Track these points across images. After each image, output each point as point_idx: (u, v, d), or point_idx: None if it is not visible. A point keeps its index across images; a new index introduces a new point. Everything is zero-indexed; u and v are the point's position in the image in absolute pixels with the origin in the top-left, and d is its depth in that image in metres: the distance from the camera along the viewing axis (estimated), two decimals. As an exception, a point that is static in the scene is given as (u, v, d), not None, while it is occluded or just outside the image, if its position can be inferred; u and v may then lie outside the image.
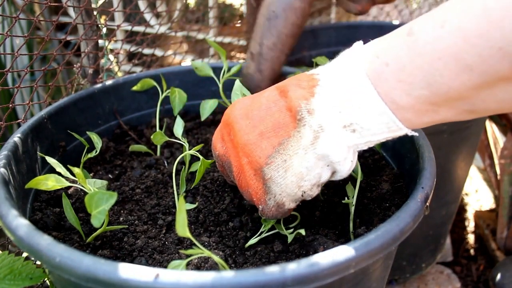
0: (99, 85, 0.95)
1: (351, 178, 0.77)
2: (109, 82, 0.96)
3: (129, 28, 1.35)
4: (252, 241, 0.69)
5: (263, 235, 0.70)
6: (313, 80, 0.60)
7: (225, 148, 0.67)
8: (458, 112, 0.55)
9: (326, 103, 0.57)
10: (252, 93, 0.77)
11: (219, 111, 1.04)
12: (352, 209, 0.70)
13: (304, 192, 0.62)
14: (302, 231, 0.65)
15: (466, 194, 1.74)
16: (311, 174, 0.60)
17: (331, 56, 0.92)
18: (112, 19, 1.69)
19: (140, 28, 1.52)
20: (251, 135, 0.62)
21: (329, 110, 0.57)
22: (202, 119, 0.92)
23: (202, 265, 0.62)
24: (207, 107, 0.92)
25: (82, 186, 0.68)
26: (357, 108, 0.56)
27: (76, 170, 0.66)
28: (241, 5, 1.78)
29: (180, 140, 0.80)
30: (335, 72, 0.59)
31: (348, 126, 0.57)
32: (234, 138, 0.64)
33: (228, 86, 1.04)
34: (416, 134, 0.58)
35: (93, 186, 0.73)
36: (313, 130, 0.58)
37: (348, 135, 0.57)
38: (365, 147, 0.59)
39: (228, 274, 0.46)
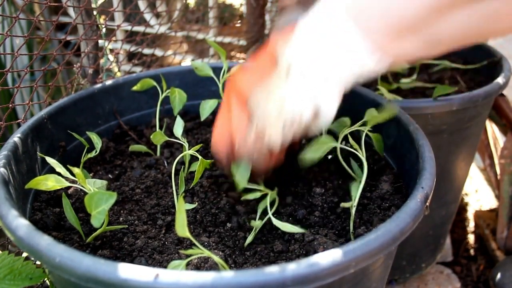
0: (99, 85, 0.95)
1: (352, 178, 0.77)
2: (109, 82, 0.96)
3: (129, 28, 1.35)
4: (250, 238, 0.69)
5: (258, 227, 0.70)
6: (293, 30, 0.65)
7: (222, 114, 0.73)
8: (421, 44, 0.57)
9: (300, 40, 0.62)
10: None
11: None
12: (353, 210, 0.70)
13: (285, 123, 0.64)
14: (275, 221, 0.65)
15: (466, 194, 1.74)
16: (292, 103, 0.63)
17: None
18: (112, 19, 1.69)
19: (140, 28, 1.53)
20: (243, 79, 0.69)
21: (301, 43, 0.62)
22: (202, 119, 0.92)
23: (202, 265, 0.62)
24: (207, 107, 0.92)
25: (82, 186, 0.68)
26: (331, 37, 0.59)
27: (76, 170, 0.66)
28: (241, 5, 1.78)
29: (180, 140, 0.80)
30: (310, 17, 0.63)
31: (315, 60, 0.61)
32: (234, 85, 0.71)
33: (228, 86, 1.04)
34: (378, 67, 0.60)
35: (93, 186, 0.73)
36: (287, 61, 0.63)
37: (317, 68, 0.61)
38: (348, 85, 0.62)
39: (228, 274, 0.46)
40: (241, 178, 0.71)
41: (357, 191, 0.70)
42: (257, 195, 0.71)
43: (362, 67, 0.59)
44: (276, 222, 0.68)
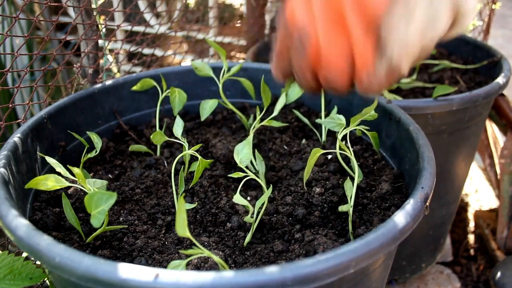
0: (99, 85, 0.95)
1: (350, 177, 0.77)
2: (109, 82, 0.96)
3: (129, 28, 1.35)
4: (248, 237, 0.70)
5: (255, 225, 0.70)
6: None
7: (306, 14, 0.54)
8: None
9: None
10: None
11: (219, 111, 1.04)
12: (351, 210, 0.70)
13: (423, 47, 0.53)
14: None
15: (466, 194, 1.74)
16: (437, 21, 0.52)
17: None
18: (112, 19, 1.69)
19: (140, 28, 1.53)
20: None
21: None
22: (202, 119, 0.92)
23: (202, 265, 0.62)
24: (207, 107, 0.92)
25: (82, 186, 0.68)
26: None
27: (76, 170, 0.66)
28: (241, 5, 1.78)
29: (179, 140, 0.80)
30: None
31: None
32: (351, 6, 0.51)
33: (228, 86, 1.04)
34: None
35: (93, 186, 0.73)
36: None
37: None
38: None
39: (228, 274, 0.46)
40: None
41: (351, 191, 0.70)
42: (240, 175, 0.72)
43: None
44: (235, 198, 0.68)
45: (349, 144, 0.77)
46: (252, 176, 0.73)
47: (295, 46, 0.56)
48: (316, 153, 0.73)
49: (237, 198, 0.69)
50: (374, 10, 0.50)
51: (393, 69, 0.53)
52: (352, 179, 0.77)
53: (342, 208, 0.71)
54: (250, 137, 0.75)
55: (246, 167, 0.77)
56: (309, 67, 0.56)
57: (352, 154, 0.73)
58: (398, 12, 0.50)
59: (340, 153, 0.79)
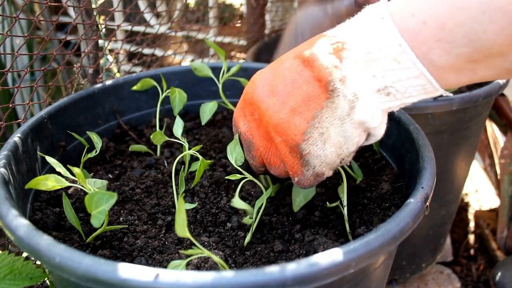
0: (99, 85, 0.95)
1: (348, 177, 0.77)
2: (109, 82, 0.96)
3: (129, 28, 1.35)
4: (248, 237, 0.70)
5: (255, 225, 0.70)
6: (338, 44, 0.56)
7: (248, 127, 0.66)
8: (498, 72, 0.52)
9: (357, 68, 0.55)
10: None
11: (219, 111, 1.04)
12: (345, 210, 0.70)
13: (343, 159, 0.63)
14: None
15: (466, 194, 1.74)
16: (349, 143, 0.60)
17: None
18: (112, 19, 1.69)
19: (140, 28, 1.53)
20: (281, 113, 0.59)
21: (361, 75, 0.55)
22: (203, 123, 0.92)
23: (202, 265, 0.62)
24: (207, 110, 0.92)
25: (82, 186, 0.68)
26: (391, 71, 0.53)
27: (76, 170, 0.66)
28: (241, 5, 1.78)
29: (180, 140, 0.80)
30: (362, 32, 0.55)
31: (382, 90, 0.55)
32: (263, 117, 0.62)
33: (228, 86, 1.04)
34: (450, 94, 0.58)
35: (93, 186, 0.73)
36: (348, 100, 0.56)
37: (382, 99, 0.56)
38: (397, 109, 0.60)
39: (228, 274, 0.46)
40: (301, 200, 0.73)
41: (343, 192, 0.70)
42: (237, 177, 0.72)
43: (429, 96, 0.57)
44: (234, 202, 0.67)
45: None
46: (250, 178, 0.72)
47: (245, 148, 0.69)
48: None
49: (237, 202, 0.67)
50: (292, 140, 0.60)
51: (318, 175, 0.63)
52: (353, 178, 0.77)
53: (330, 205, 0.71)
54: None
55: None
56: (256, 162, 0.69)
57: None
58: (314, 137, 0.59)
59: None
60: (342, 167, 0.73)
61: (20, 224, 0.55)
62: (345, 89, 0.56)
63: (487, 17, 0.47)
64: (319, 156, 0.60)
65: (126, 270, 0.47)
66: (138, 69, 1.56)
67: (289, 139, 0.60)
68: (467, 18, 0.48)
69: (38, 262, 0.75)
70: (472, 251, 1.51)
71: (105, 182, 0.75)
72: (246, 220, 0.70)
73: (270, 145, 0.64)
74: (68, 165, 0.70)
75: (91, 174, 0.86)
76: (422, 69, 0.52)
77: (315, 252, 0.64)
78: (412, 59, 0.52)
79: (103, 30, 1.08)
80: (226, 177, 0.74)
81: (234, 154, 0.73)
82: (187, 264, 0.62)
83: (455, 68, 0.51)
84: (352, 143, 0.60)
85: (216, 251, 0.67)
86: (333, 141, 0.60)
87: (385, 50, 0.53)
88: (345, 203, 0.70)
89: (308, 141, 0.59)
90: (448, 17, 0.49)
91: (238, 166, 0.72)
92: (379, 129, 0.60)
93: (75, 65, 1.02)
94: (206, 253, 0.56)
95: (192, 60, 1.20)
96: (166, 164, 0.88)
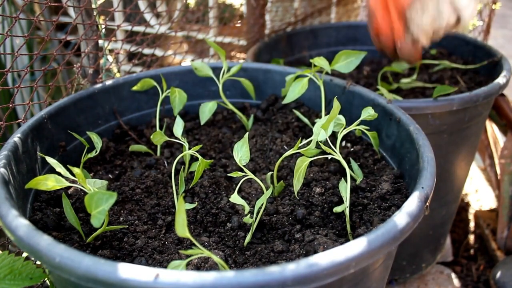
0: (99, 85, 0.95)
1: (352, 178, 0.77)
2: (109, 82, 0.96)
3: (129, 28, 1.35)
4: (248, 237, 0.70)
5: (255, 225, 0.70)
6: None
7: (380, 11, 0.96)
8: None
9: None
10: None
11: (219, 111, 1.04)
12: (347, 211, 0.70)
13: (434, 31, 0.90)
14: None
15: (466, 194, 1.74)
16: (441, 17, 0.88)
17: (331, 56, 0.92)
18: (112, 19, 1.69)
19: (140, 28, 1.52)
20: None
21: None
22: (202, 123, 0.92)
23: (202, 265, 0.62)
24: (206, 110, 0.92)
25: (82, 186, 0.68)
26: None
27: (76, 170, 0.66)
28: (241, 5, 1.78)
29: (180, 140, 0.80)
30: None
31: None
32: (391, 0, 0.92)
33: (228, 86, 1.05)
34: None
35: (93, 186, 0.73)
36: None
37: None
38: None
39: (228, 274, 0.46)
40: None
41: (346, 192, 0.70)
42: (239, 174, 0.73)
43: None
44: (232, 198, 0.70)
45: (349, 144, 0.77)
46: (251, 176, 0.73)
47: (368, 19, 1.00)
48: (304, 162, 0.72)
49: (235, 198, 0.69)
50: (402, 4, 0.90)
51: (415, 40, 0.92)
52: (351, 179, 0.77)
53: (336, 209, 0.71)
54: (246, 135, 0.75)
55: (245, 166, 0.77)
56: (373, 31, 0.98)
57: (340, 156, 0.73)
58: (416, 7, 0.89)
59: (342, 153, 0.79)
60: (344, 168, 0.73)
61: (20, 224, 0.55)
62: None
63: None
64: (417, 24, 0.89)
65: (126, 270, 0.47)
66: (138, 69, 1.56)
67: (399, 5, 0.90)
68: None
69: (38, 262, 0.75)
70: (472, 251, 1.51)
71: (105, 182, 0.76)
72: (246, 219, 0.70)
73: (384, 14, 0.93)
74: (68, 165, 0.70)
75: (91, 174, 0.86)
76: None
77: (315, 252, 0.64)
78: None
79: (103, 30, 1.08)
80: (229, 174, 0.74)
81: (240, 153, 0.73)
82: (187, 264, 0.62)
83: None
84: (443, 18, 0.88)
85: (216, 251, 0.67)
86: (430, 13, 0.88)
87: None
88: (347, 204, 0.69)
89: (412, 8, 0.88)
90: None
91: (243, 165, 0.72)
92: (466, 11, 0.87)
93: (75, 65, 1.02)
94: (206, 253, 0.56)
95: (192, 60, 1.20)
96: (166, 164, 0.88)
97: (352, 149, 0.88)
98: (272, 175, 0.80)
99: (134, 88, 0.98)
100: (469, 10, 0.87)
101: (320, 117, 0.94)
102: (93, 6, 1.04)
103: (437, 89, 1.02)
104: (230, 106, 0.98)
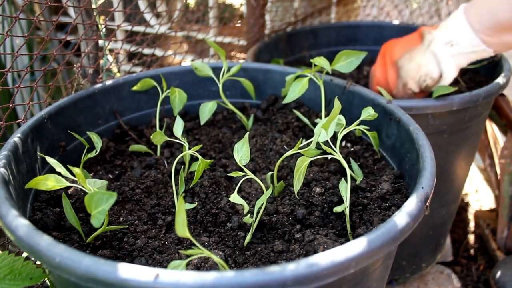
0: (99, 85, 0.95)
1: (352, 178, 0.77)
2: (109, 82, 0.96)
3: (129, 28, 1.35)
4: (248, 237, 0.70)
5: (255, 225, 0.70)
6: (435, 26, 1.09)
7: (375, 65, 1.19)
8: None
9: (439, 30, 1.04)
10: None
11: (219, 111, 1.04)
12: (347, 211, 0.70)
13: (420, 77, 1.05)
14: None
15: (466, 194, 1.74)
16: (426, 66, 1.03)
17: (331, 56, 0.92)
18: (112, 19, 1.69)
19: (140, 28, 1.52)
20: (394, 46, 1.13)
21: (439, 33, 1.03)
22: (202, 123, 0.92)
23: (202, 265, 0.62)
24: (206, 110, 0.92)
25: (82, 186, 0.68)
26: (455, 31, 1.00)
27: (76, 170, 0.66)
28: (241, 5, 1.78)
29: (180, 140, 0.80)
30: (444, 24, 1.05)
31: (448, 43, 1.01)
32: (386, 53, 1.15)
33: (228, 86, 1.04)
34: (490, 51, 0.99)
35: (93, 186, 0.73)
36: (428, 40, 1.04)
37: (448, 48, 1.01)
38: (464, 64, 1.02)
39: (228, 274, 0.46)
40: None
41: (346, 192, 0.70)
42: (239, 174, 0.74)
43: (476, 49, 0.99)
44: (232, 197, 0.70)
45: (349, 144, 0.77)
46: (251, 175, 0.73)
47: (370, 79, 1.23)
48: (304, 162, 0.72)
49: (234, 198, 0.69)
50: (394, 56, 1.12)
51: (405, 85, 1.09)
52: (351, 179, 0.77)
53: (336, 209, 0.71)
54: (247, 135, 0.75)
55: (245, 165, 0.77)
56: (373, 87, 1.20)
57: (340, 156, 0.73)
58: (405, 58, 1.09)
59: (342, 153, 0.79)
60: (344, 168, 0.72)
61: (20, 224, 0.55)
62: (429, 36, 1.05)
63: (498, 3, 0.94)
64: (406, 70, 1.07)
65: (126, 270, 0.47)
66: (138, 69, 1.56)
67: (393, 56, 1.12)
68: (489, 4, 0.96)
69: (38, 262, 0.75)
70: (472, 251, 1.50)
71: (105, 182, 0.75)
72: (246, 219, 0.70)
73: (382, 70, 1.15)
74: (68, 165, 0.70)
75: (91, 174, 0.86)
76: (469, 29, 0.98)
77: (315, 252, 0.64)
78: (465, 24, 0.99)
79: (103, 30, 1.08)
80: (229, 174, 0.74)
81: (240, 153, 0.73)
82: (187, 264, 0.62)
83: (486, 33, 0.97)
84: (428, 67, 1.03)
85: (216, 251, 0.67)
86: (416, 62, 1.05)
87: (453, 22, 1.02)
88: (347, 204, 0.69)
89: (401, 58, 1.09)
90: (483, 5, 0.97)
91: (243, 165, 0.72)
92: (447, 69, 1.02)
93: (75, 65, 1.02)
94: (206, 253, 0.56)
95: (192, 60, 1.20)
96: (166, 164, 0.88)
97: (352, 149, 0.88)
98: (272, 175, 0.80)
99: (134, 88, 0.98)
100: (449, 70, 1.02)
101: (320, 117, 0.94)
102: (93, 6, 1.04)
103: (437, 89, 1.02)
104: (230, 106, 0.98)
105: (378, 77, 1.16)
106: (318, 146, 0.78)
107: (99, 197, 0.59)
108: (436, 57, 1.02)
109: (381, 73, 1.16)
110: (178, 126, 0.82)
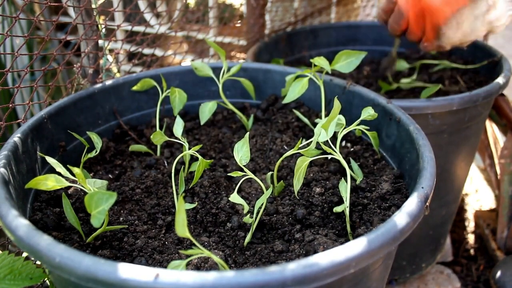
0: (99, 85, 0.95)
1: (352, 178, 0.77)
2: (109, 82, 0.96)
3: (129, 28, 1.35)
4: (248, 237, 0.70)
5: (255, 225, 0.70)
6: None
7: (406, 2, 1.03)
8: None
9: None
10: None
11: (219, 111, 1.04)
12: (347, 211, 0.70)
13: (461, 43, 1.01)
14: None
15: (466, 194, 1.74)
16: (473, 34, 0.97)
17: (331, 56, 0.92)
18: (112, 19, 1.69)
19: (140, 28, 1.52)
20: (438, 2, 0.97)
21: None
22: (202, 123, 0.92)
23: (202, 265, 0.62)
24: (206, 110, 0.92)
25: (82, 186, 0.68)
26: None
27: (76, 170, 0.66)
28: (241, 5, 1.78)
29: (180, 140, 0.80)
30: None
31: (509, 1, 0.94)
32: (422, 0, 1.00)
33: (228, 86, 1.04)
34: None
35: (93, 186, 0.73)
36: (488, 5, 0.94)
37: (509, 4, 0.94)
38: None
39: (228, 274, 0.46)
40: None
41: (346, 192, 0.70)
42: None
43: None
44: (231, 197, 0.70)
45: (349, 144, 0.77)
46: (251, 175, 0.73)
47: (395, 15, 1.07)
48: (304, 162, 0.72)
49: (234, 197, 0.69)
50: (438, 22, 0.99)
51: (441, 47, 1.04)
52: (351, 179, 0.77)
53: (336, 209, 0.71)
54: (247, 135, 0.75)
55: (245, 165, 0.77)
56: (398, 27, 1.07)
57: (340, 156, 0.73)
58: (452, 25, 0.97)
59: (342, 153, 0.79)
60: (344, 168, 0.73)
61: (20, 224, 0.55)
62: None
63: None
64: (449, 37, 0.99)
65: (126, 270, 0.47)
66: (138, 69, 1.56)
67: (434, 20, 0.99)
68: None
69: (38, 262, 0.75)
70: (472, 251, 1.51)
71: (105, 182, 0.76)
72: (246, 219, 0.70)
73: (419, 20, 1.03)
74: (68, 165, 0.70)
75: (91, 174, 0.86)
76: None
77: (315, 252, 0.64)
78: None
79: (103, 30, 1.08)
80: (229, 174, 0.74)
81: (240, 153, 0.73)
82: (187, 264, 0.62)
83: None
84: (476, 35, 0.97)
85: (216, 251, 0.67)
86: (463, 30, 0.96)
87: None
88: (347, 203, 0.69)
89: (447, 25, 0.97)
90: None
91: (243, 165, 0.72)
92: (500, 22, 0.95)
93: (75, 65, 1.02)
94: (206, 253, 0.56)
95: (192, 60, 1.20)
96: (166, 164, 0.88)
97: (352, 149, 0.88)
98: (272, 175, 0.80)
99: (134, 88, 0.98)
100: (502, 21, 0.95)
101: (320, 117, 0.94)
102: (93, 6, 1.04)
103: (425, 92, 1.10)
104: (230, 106, 0.98)
105: (412, 26, 1.05)
106: (318, 146, 0.78)
107: (99, 197, 0.59)
108: (490, 25, 0.96)
109: (415, 23, 1.04)
110: (178, 126, 0.82)
